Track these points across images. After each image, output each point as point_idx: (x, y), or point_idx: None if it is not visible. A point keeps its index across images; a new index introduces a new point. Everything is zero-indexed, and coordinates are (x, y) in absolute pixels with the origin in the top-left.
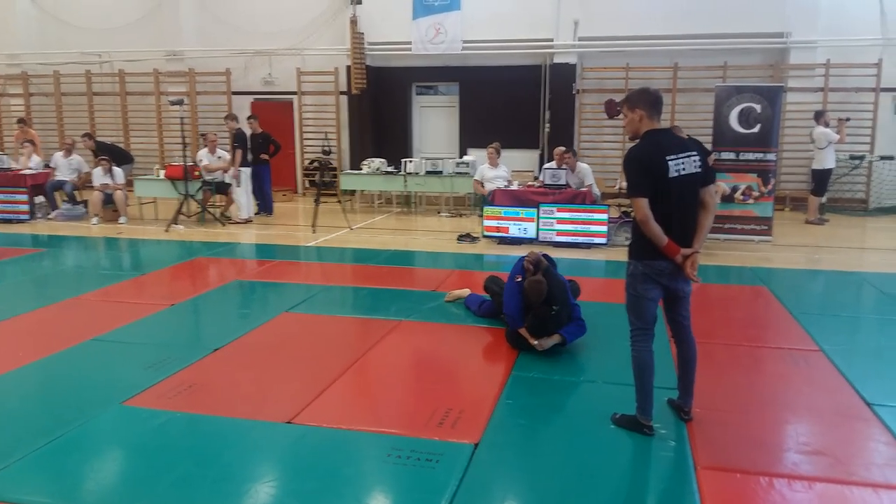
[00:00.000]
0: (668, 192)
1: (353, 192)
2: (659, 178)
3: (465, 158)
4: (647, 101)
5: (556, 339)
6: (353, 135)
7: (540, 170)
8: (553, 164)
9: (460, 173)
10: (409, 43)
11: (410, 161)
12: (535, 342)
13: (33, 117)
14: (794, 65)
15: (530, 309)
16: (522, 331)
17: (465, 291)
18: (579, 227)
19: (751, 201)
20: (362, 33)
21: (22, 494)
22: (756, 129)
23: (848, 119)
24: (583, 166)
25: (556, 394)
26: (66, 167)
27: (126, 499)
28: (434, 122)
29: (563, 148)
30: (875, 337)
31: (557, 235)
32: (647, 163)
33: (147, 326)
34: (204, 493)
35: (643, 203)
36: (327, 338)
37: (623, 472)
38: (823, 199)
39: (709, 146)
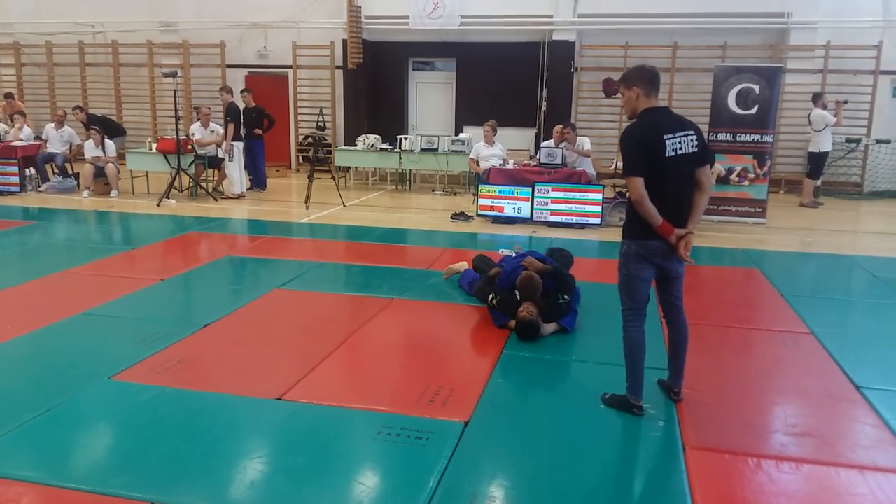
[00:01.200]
0: (664, 171)
1: (347, 169)
2: (655, 158)
3: (461, 136)
4: (644, 78)
5: (553, 327)
6: (349, 110)
7: (536, 149)
8: (551, 142)
9: (455, 151)
10: (407, 17)
11: (406, 138)
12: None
13: (25, 88)
14: (794, 46)
15: (522, 300)
16: (512, 322)
17: (462, 265)
18: (574, 207)
19: (746, 183)
20: (359, 6)
21: (8, 468)
22: (754, 111)
23: (846, 101)
24: (582, 139)
25: (546, 373)
26: (57, 139)
27: (114, 473)
28: (430, 98)
29: (561, 125)
30: (866, 320)
31: (552, 215)
32: (643, 142)
33: (137, 301)
34: (192, 468)
35: (639, 182)
36: (319, 315)
37: (612, 451)
38: (818, 182)
39: (705, 127)
